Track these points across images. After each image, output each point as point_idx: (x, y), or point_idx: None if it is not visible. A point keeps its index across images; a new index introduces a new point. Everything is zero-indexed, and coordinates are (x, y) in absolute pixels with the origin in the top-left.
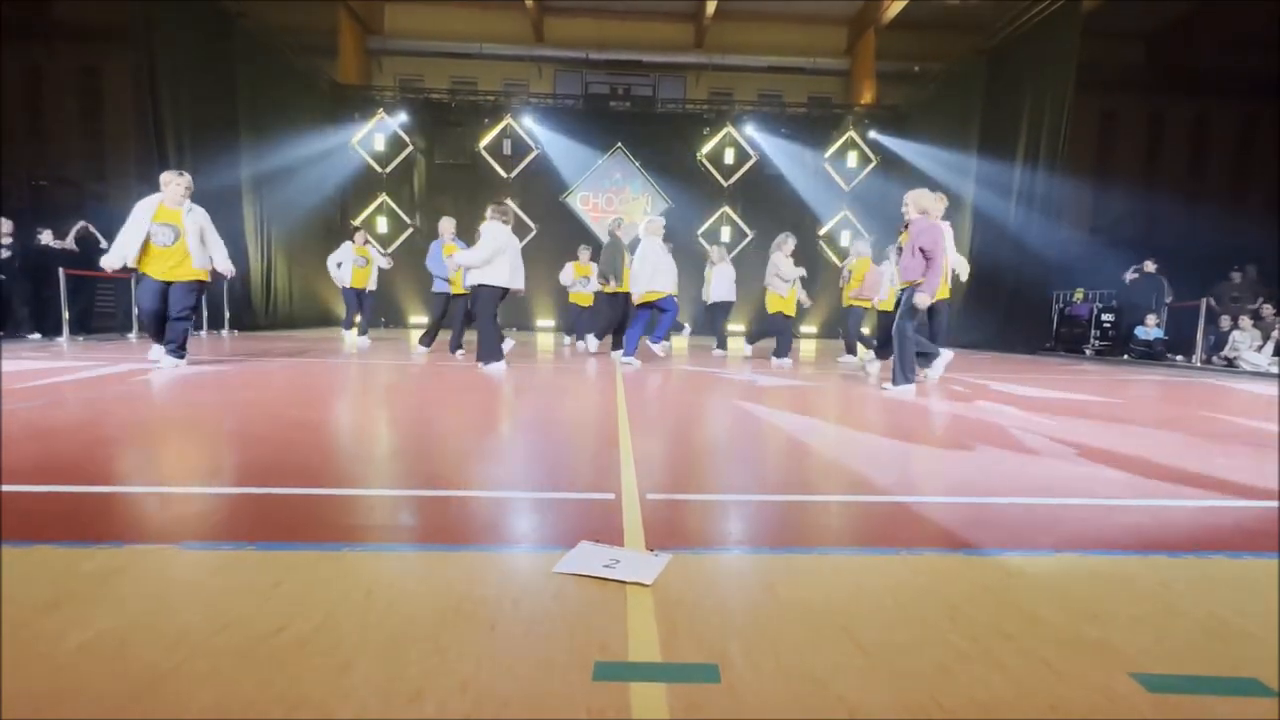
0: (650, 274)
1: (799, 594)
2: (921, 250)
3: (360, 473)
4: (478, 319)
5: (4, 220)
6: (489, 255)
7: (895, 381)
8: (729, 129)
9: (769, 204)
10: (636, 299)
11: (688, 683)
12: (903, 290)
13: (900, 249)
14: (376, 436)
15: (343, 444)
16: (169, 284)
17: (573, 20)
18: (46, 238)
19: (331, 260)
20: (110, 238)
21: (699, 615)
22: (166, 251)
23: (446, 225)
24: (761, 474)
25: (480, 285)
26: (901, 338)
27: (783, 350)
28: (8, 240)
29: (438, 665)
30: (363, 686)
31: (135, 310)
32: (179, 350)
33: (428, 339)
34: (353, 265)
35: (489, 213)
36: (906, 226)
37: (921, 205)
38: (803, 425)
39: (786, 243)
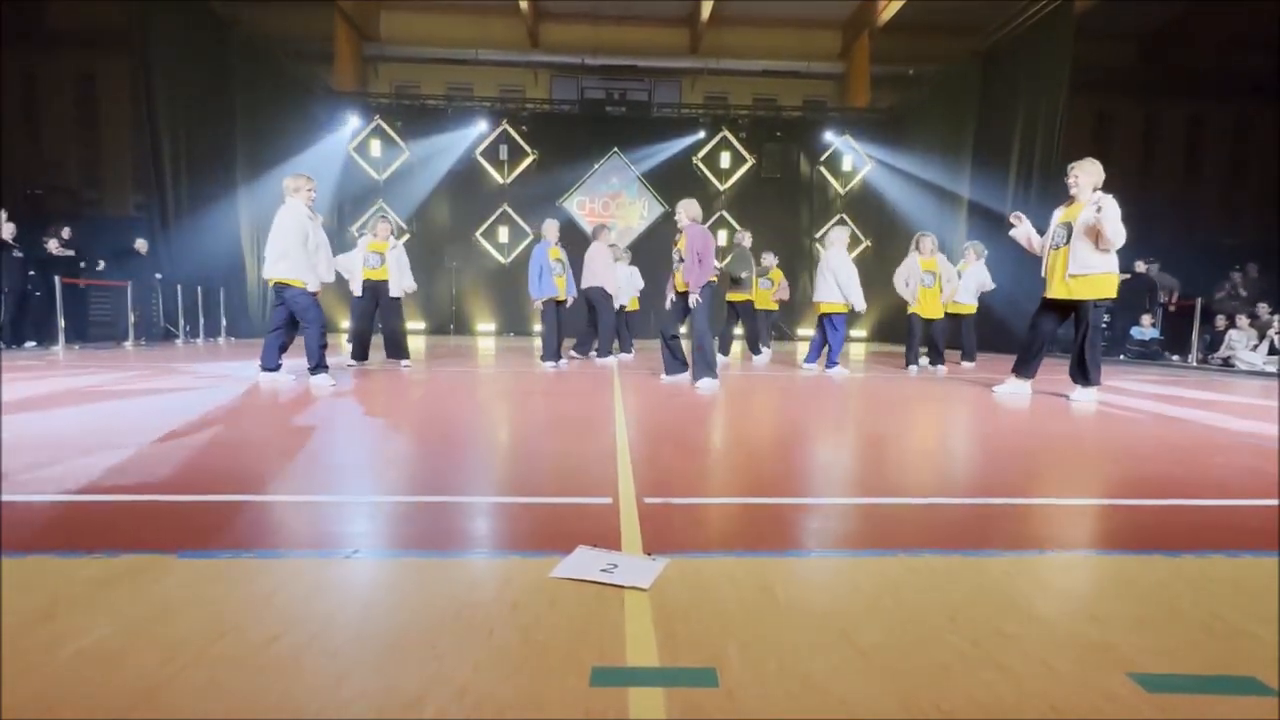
0: (847, 285)
1: (797, 597)
2: (700, 256)
3: (356, 480)
4: (396, 324)
5: (7, 223)
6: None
7: (706, 376)
8: (724, 133)
9: (765, 207)
10: (823, 308)
11: (686, 687)
12: (680, 294)
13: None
14: (372, 444)
15: (332, 452)
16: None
17: (568, 26)
18: (53, 246)
19: (342, 259)
20: (109, 248)
21: (696, 619)
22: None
23: (551, 228)
24: (759, 476)
25: (399, 296)
26: (705, 339)
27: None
28: (11, 239)
29: (435, 671)
30: (360, 693)
31: (139, 320)
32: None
33: (555, 355)
34: (364, 266)
35: (387, 230)
36: (681, 233)
37: (692, 213)
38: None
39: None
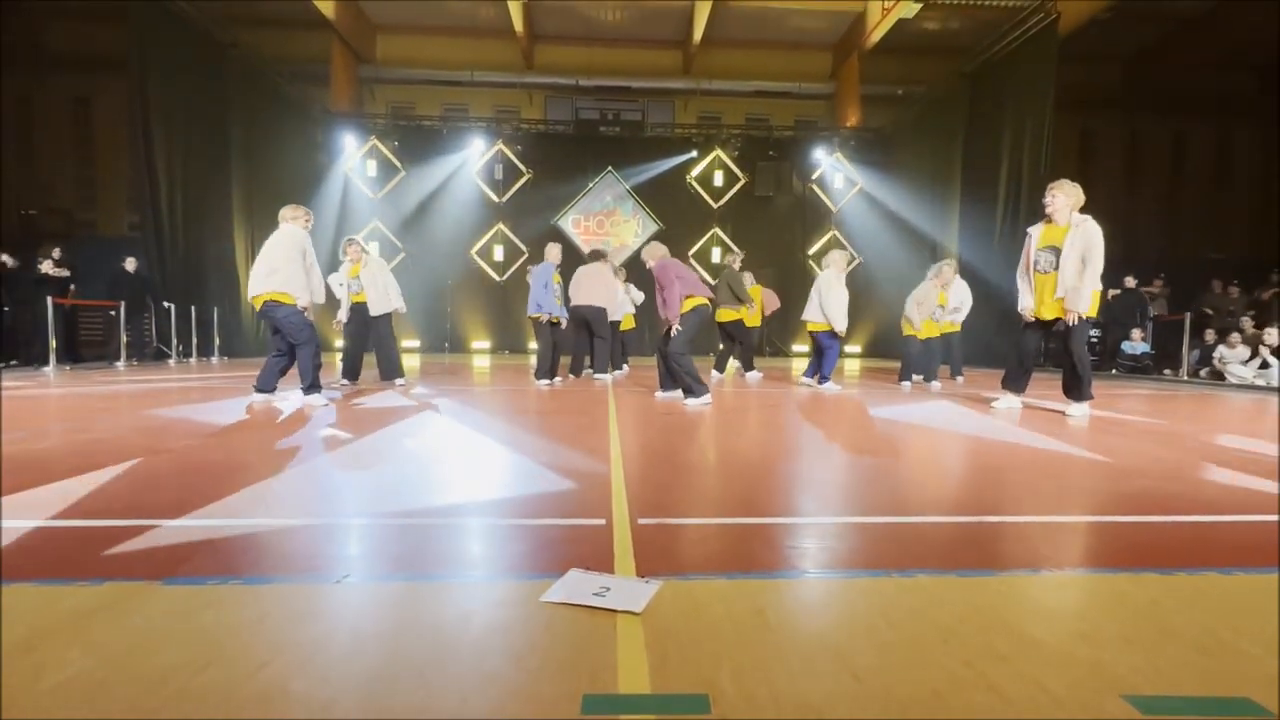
0: (829, 307)
1: (790, 619)
2: (662, 287)
3: (343, 502)
4: (387, 343)
5: None
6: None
7: (694, 394)
8: (717, 152)
9: (758, 225)
10: (810, 327)
11: (677, 714)
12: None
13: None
14: (361, 465)
15: (320, 474)
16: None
17: (562, 48)
18: (47, 266)
19: (333, 281)
20: (103, 269)
21: (689, 643)
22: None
23: (554, 251)
24: (753, 495)
25: (384, 313)
26: (680, 359)
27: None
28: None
29: (424, 700)
30: None
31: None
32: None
33: (549, 373)
34: (347, 290)
35: (358, 251)
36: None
37: (655, 255)
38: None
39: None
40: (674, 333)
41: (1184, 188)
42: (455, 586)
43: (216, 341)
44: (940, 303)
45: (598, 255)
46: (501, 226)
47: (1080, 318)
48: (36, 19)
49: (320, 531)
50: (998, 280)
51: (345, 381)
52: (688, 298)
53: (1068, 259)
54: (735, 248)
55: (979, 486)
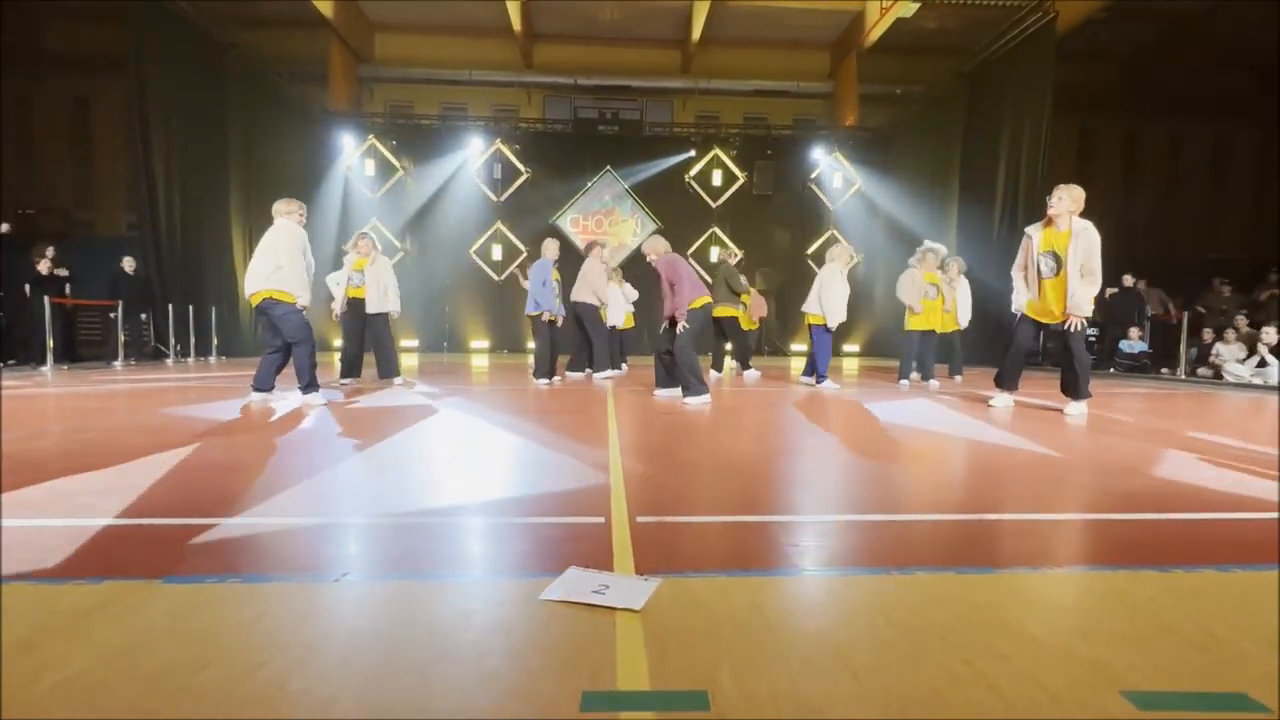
0: (827, 299)
1: (789, 616)
2: (671, 284)
3: (343, 501)
4: (384, 341)
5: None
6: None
7: (692, 392)
8: (716, 151)
9: (757, 224)
10: (809, 319)
11: (676, 711)
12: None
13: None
14: (361, 464)
15: (320, 474)
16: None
17: (561, 47)
18: (43, 266)
19: (332, 280)
20: (98, 268)
21: (688, 640)
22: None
23: (552, 247)
24: (751, 494)
25: (380, 312)
26: (685, 355)
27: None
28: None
29: (424, 699)
30: None
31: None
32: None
33: (548, 373)
34: (348, 285)
35: (369, 246)
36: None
37: (657, 249)
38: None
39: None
40: (680, 329)
41: (1182, 188)
42: (454, 585)
43: (214, 341)
44: (930, 280)
45: (592, 247)
46: (500, 225)
47: (1082, 323)
48: (36, 19)
49: (319, 530)
50: (996, 280)
51: (345, 380)
52: (692, 299)
53: (1073, 269)
54: (734, 247)
55: (977, 485)
